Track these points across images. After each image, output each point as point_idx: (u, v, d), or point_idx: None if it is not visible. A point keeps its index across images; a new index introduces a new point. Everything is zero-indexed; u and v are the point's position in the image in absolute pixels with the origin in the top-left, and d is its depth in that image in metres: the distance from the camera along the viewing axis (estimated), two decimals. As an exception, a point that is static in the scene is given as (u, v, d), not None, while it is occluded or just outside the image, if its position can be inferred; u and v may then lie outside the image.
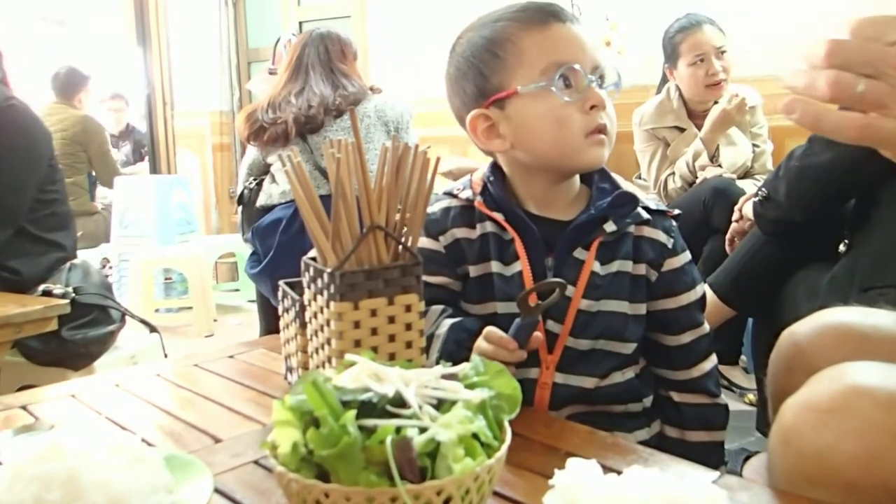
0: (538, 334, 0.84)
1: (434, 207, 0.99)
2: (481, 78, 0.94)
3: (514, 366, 0.83)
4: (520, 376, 0.90)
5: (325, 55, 2.30)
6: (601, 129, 0.90)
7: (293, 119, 2.16)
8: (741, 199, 1.84)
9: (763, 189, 1.60)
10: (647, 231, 0.96)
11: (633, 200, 0.95)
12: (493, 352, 0.82)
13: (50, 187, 1.84)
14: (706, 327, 0.99)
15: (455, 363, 0.85)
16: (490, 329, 0.83)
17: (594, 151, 0.91)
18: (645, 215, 0.96)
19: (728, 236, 1.87)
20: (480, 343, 0.84)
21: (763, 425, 1.72)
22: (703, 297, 1.00)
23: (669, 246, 0.96)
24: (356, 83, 2.30)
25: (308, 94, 2.21)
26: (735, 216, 1.83)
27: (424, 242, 0.96)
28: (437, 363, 0.86)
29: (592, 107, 0.89)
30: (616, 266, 0.93)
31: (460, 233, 0.96)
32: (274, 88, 2.31)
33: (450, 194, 1.00)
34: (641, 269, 0.95)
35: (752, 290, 1.67)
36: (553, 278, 0.89)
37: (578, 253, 0.92)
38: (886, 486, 0.58)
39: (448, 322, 0.91)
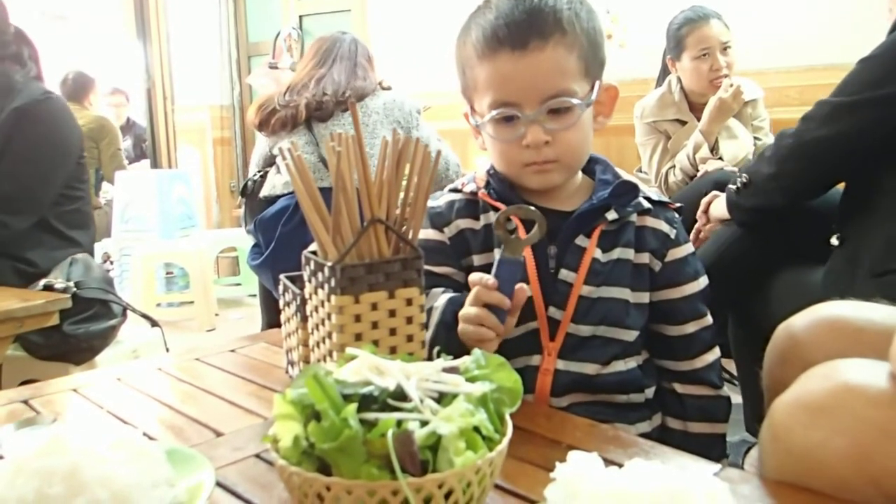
0: (523, 287, 0.82)
1: (439, 202, 1.00)
2: (461, 83, 0.99)
3: (503, 338, 0.83)
4: (521, 363, 0.91)
5: (354, 53, 2.36)
6: (542, 162, 0.92)
7: (305, 104, 2.19)
8: (703, 202, 1.75)
9: (743, 175, 1.54)
10: (650, 221, 0.97)
11: (633, 189, 0.96)
12: (476, 294, 0.81)
13: (77, 184, 1.87)
14: (709, 319, 0.99)
15: (452, 333, 0.85)
16: (473, 273, 0.84)
17: (536, 179, 0.94)
18: (647, 205, 0.97)
19: (692, 237, 1.75)
20: (465, 314, 0.83)
21: (751, 424, 1.70)
22: (707, 288, 1.00)
23: (672, 236, 0.97)
24: (369, 77, 2.34)
25: (327, 80, 2.25)
26: (700, 220, 1.75)
27: (429, 234, 0.98)
28: (435, 335, 0.86)
29: (529, 145, 0.91)
30: (617, 253, 0.94)
31: (465, 224, 0.98)
32: (296, 74, 2.35)
33: (454, 189, 1.01)
34: (644, 257, 0.96)
35: (724, 288, 1.61)
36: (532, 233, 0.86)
37: (580, 240, 0.94)
38: (877, 483, 0.58)
39: (447, 296, 0.92)
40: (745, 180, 1.53)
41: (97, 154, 4.12)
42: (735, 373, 2.40)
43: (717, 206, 1.68)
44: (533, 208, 0.82)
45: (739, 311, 1.69)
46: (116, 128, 4.37)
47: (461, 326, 0.83)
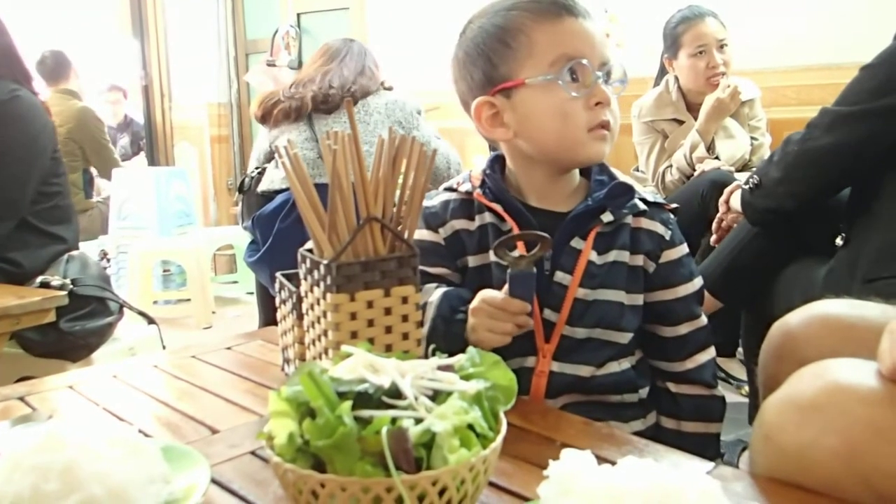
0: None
1: (434, 201, 1.00)
2: (489, 66, 0.94)
3: (513, 337, 0.84)
4: (516, 365, 0.91)
5: (363, 56, 2.39)
6: (604, 126, 0.92)
7: (311, 96, 2.20)
8: (726, 191, 1.78)
9: (754, 177, 1.56)
10: (645, 223, 0.97)
11: (629, 191, 0.96)
12: (492, 319, 0.83)
13: (53, 180, 1.85)
14: (704, 320, 1.00)
15: (449, 326, 0.86)
16: (487, 294, 0.84)
17: (596, 146, 0.92)
18: (642, 206, 0.96)
19: (714, 227, 1.81)
20: (482, 306, 0.84)
21: (754, 418, 1.71)
22: (702, 289, 1.00)
23: (667, 238, 0.97)
24: (375, 78, 2.36)
25: (334, 74, 2.26)
26: (721, 209, 1.78)
27: (424, 235, 0.97)
28: (432, 328, 0.87)
29: (597, 103, 0.91)
30: (613, 256, 0.94)
31: (459, 224, 0.97)
32: (303, 72, 2.37)
33: (450, 189, 1.01)
34: (639, 259, 0.96)
35: (742, 284, 1.64)
36: (534, 238, 0.87)
37: (576, 242, 0.93)
38: (867, 481, 0.58)
39: (442, 290, 0.92)
40: (756, 181, 1.54)
41: (82, 154, 3.98)
42: (730, 372, 2.42)
43: (738, 198, 1.69)
44: (539, 232, 0.83)
45: (753, 308, 1.71)
46: (99, 118, 4.15)
47: (472, 321, 0.84)
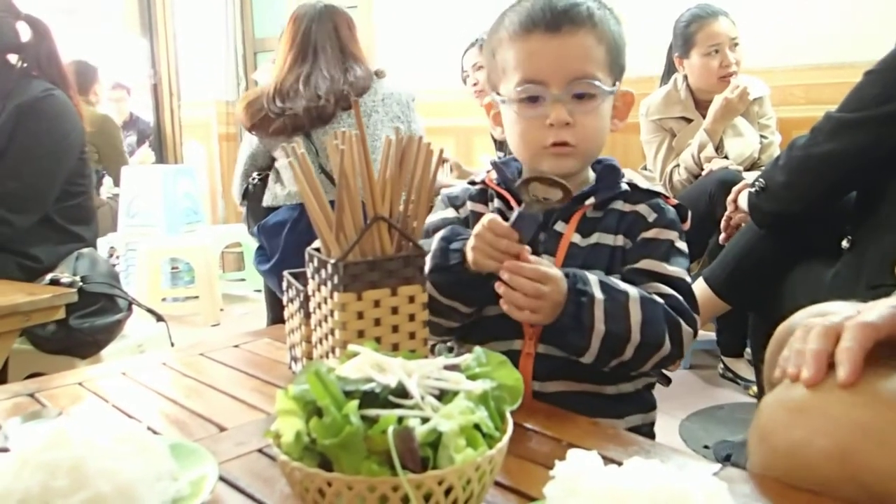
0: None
1: (454, 189, 1.07)
2: (489, 70, 1.02)
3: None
4: (503, 348, 0.93)
5: (335, 35, 2.17)
6: (561, 144, 0.94)
7: (304, 110, 2.07)
8: (734, 190, 1.78)
9: (760, 179, 1.57)
10: (632, 206, 0.98)
11: (615, 170, 1.00)
12: (492, 240, 0.84)
13: (79, 180, 1.88)
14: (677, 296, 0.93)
15: (448, 246, 0.89)
16: (493, 218, 0.85)
17: (552, 162, 0.96)
18: (624, 187, 0.99)
19: (723, 225, 1.83)
20: (480, 230, 0.85)
21: None
22: (688, 292, 0.94)
23: (650, 219, 0.96)
24: (363, 67, 2.20)
25: (316, 79, 2.11)
26: (729, 208, 1.79)
27: (448, 213, 1.03)
28: (432, 254, 0.89)
29: (552, 124, 0.93)
30: (595, 238, 0.96)
31: (476, 208, 1.03)
32: (278, 71, 2.19)
33: (470, 182, 1.08)
34: (619, 240, 0.97)
35: (748, 285, 1.64)
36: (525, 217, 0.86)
37: (559, 226, 0.97)
38: (858, 480, 0.58)
39: (439, 234, 0.95)
40: (762, 185, 1.55)
41: (98, 157, 4.04)
42: (738, 373, 2.41)
43: (745, 198, 1.69)
44: (557, 178, 0.84)
45: (760, 310, 1.71)
46: (118, 126, 4.28)
47: (470, 242, 0.86)
